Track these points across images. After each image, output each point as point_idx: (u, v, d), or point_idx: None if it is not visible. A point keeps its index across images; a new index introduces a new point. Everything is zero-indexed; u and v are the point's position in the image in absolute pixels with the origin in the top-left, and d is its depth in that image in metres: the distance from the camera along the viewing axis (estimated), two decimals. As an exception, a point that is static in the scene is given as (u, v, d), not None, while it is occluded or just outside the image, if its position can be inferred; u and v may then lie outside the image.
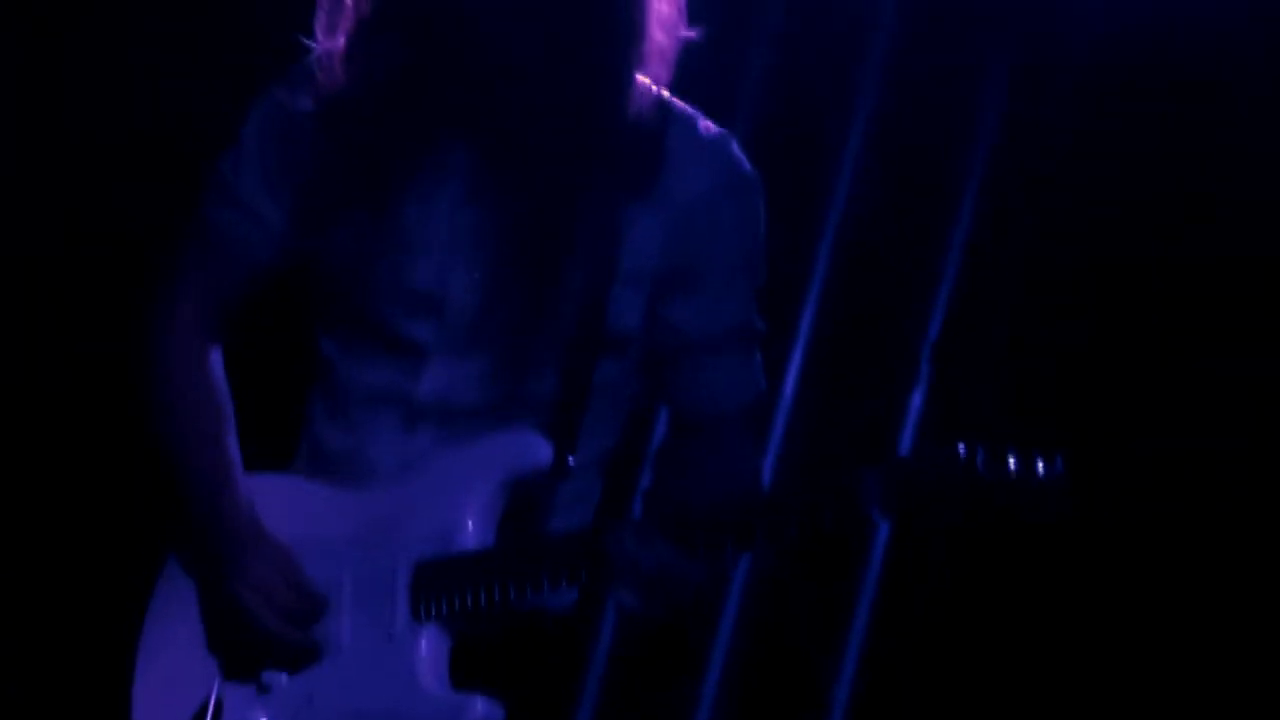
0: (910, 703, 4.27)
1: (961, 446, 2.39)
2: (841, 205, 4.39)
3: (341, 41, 2.70)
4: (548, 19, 2.62)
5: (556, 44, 2.63)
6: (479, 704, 2.66)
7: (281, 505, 2.79)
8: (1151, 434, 4.05)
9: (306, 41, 2.72)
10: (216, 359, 2.84)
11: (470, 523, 2.72)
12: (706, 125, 2.75)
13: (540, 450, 2.71)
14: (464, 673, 2.70)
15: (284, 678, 2.71)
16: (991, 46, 4.34)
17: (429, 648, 2.72)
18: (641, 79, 2.68)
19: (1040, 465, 2.39)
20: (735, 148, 2.75)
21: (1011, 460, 2.39)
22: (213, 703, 2.74)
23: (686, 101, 2.73)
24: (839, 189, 4.39)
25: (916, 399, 4.34)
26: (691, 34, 2.71)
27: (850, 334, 4.41)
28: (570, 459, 2.73)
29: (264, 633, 2.69)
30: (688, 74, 2.73)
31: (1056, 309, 4.18)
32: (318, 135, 2.74)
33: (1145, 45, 4.13)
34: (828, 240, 4.41)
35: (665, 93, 2.72)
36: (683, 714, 4.42)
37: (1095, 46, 4.19)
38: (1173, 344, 4.09)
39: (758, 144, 3.09)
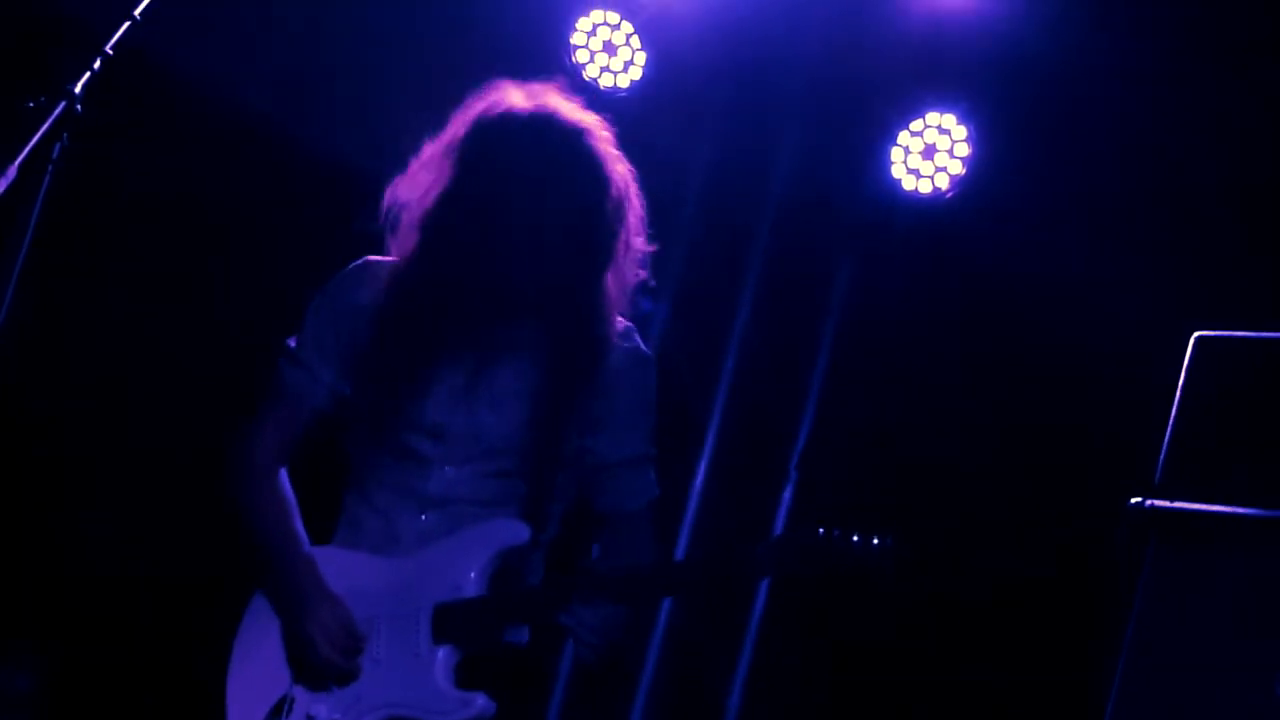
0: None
1: (821, 529, 3.03)
2: (733, 362, 5.24)
3: (398, 263, 3.28)
4: (547, 262, 3.18)
5: (550, 278, 3.19)
6: (479, 699, 3.17)
7: (333, 568, 3.28)
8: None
9: (370, 258, 3.34)
10: (284, 474, 3.37)
11: (473, 579, 3.22)
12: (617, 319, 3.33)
13: (521, 532, 3.24)
14: (469, 680, 3.22)
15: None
16: (841, 252, 5.25)
17: (444, 661, 3.19)
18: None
19: (875, 540, 3.01)
20: (638, 336, 3.37)
21: (855, 537, 3.03)
22: (288, 696, 3.25)
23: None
24: (731, 350, 5.28)
25: (787, 495, 5.09)
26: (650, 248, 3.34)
27: (740, 451, 5.17)
28: (541, 538, 3.29)
29: (325, 660, 3.21)
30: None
31: (894, 434, 4.94)
32: (369, 320, 3.27)
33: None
34: (724, 386, 5.26)
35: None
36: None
37: (914, 255, 5.06)
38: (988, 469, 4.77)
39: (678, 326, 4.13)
